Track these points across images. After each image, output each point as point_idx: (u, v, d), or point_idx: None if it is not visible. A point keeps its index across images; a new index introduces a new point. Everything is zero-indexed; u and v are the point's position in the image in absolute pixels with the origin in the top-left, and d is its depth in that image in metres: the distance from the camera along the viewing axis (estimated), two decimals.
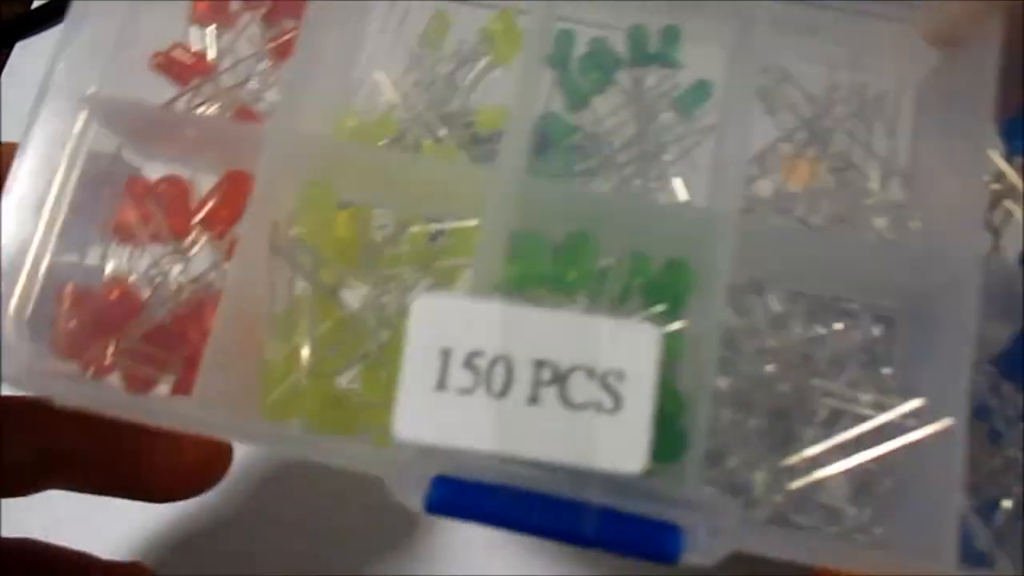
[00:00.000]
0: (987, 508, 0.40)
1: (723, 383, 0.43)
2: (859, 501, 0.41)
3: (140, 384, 0.43)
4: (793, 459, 0.41)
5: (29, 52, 0.67)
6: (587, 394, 0.37)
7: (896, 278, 0.44)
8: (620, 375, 0.37)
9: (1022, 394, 0.43)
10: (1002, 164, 0.47)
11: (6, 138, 0.43)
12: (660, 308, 0.43)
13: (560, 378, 0.37)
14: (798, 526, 0.41)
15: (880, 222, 0.46)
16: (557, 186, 0.45)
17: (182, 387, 0.43)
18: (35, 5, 0.68)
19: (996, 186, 0.48)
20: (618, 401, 0.37)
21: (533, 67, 0.44)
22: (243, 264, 0.41)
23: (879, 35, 0.47)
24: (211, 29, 0.50)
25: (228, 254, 0.44)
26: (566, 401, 0.37)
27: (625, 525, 0.38)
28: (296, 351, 0.43)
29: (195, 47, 0.49)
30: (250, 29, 0.51)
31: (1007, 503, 0.40)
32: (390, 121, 0.48)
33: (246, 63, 0.49)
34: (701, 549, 0.36)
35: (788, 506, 0.41)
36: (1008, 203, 0.47)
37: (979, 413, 0.43)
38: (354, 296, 0.44)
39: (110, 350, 0.44)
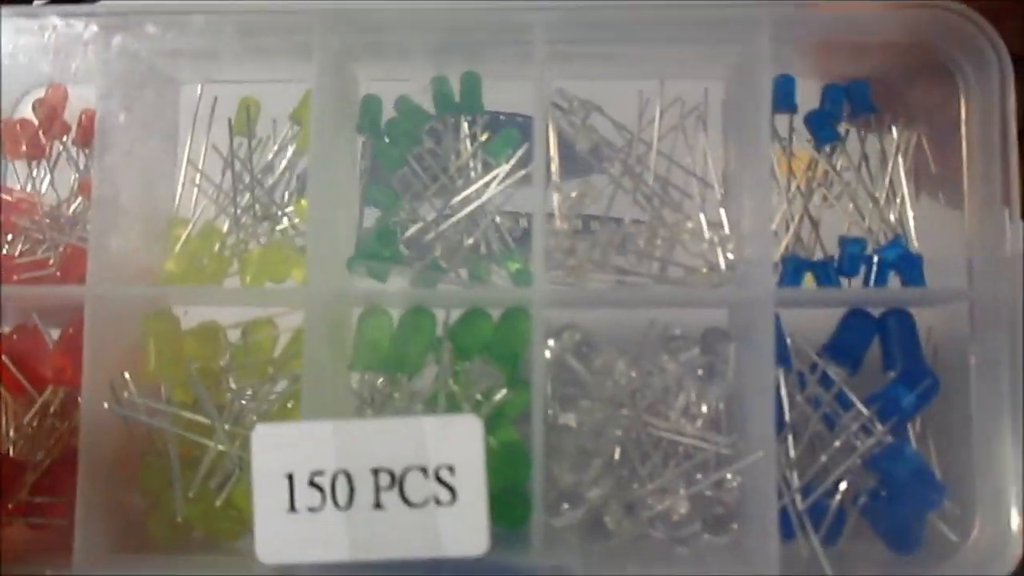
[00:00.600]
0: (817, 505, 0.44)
1: (569, 421, 0.47)
2: (701, 519, 0.45)
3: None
4: (639, 492, 0.45)
5: None
6: (424, 491, 0.40)
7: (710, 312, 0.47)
8: (451, 468, 0.40)
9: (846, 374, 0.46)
10: (813, 154, 0.50)
11: None
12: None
13: (398, 481, 0.40)
14: (653, 548, 0.45)
15: (702, 245, 0.48)
16: (368, 292, 0.48)
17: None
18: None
19: (810, 174, 0.50)
20: (453, 493, 0.40)
21: (327, 141, 0.45)
22: (91, 416, 0.43)
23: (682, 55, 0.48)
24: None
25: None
26: (406, 501, 0.40)
27: None
28: (167, 482, 0.45)
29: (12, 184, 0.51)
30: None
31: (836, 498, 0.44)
32: (213, 232, 0.49)
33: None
34: None
35: (642, 532, 0.45)
36: (822, 190, 0.50)
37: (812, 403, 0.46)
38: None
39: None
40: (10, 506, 0.46)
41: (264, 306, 0.48)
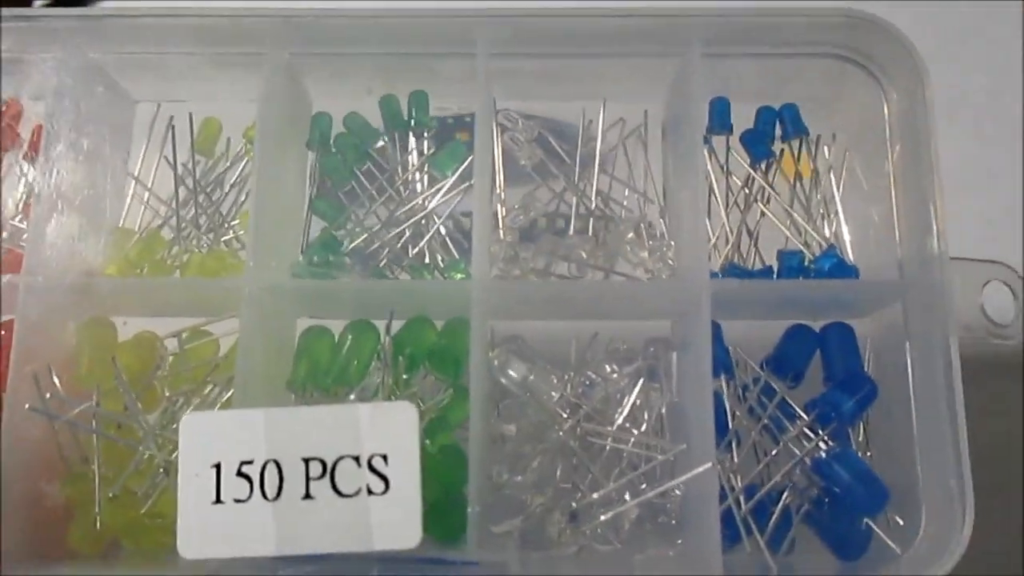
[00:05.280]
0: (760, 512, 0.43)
1: (509, 430, 0.46)
2: (645, 528, 0.44)
3: None
4: (583, 501, 0.44)
5: None
6: (356, 481, 0.39)
7: (649, 311, 0.47)
8: (384, 457, 0.39)
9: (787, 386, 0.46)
10: (749, 170, 0.51)
11: None
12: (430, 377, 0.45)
13: (329, 471, 0.39)
14: (597, 556, 0.44)
15: (642, 256, 0.49)
16: (309, 285, 0.47)
17: None
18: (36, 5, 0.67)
19: (746, 191, 0.51)
20: (387, 482, 0.39)
21: (270, 154, 0.46)
22: (13, 416, 0.42)
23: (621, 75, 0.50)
24: None
25: None
26: (338, 491, 0.39)
27: None
28: (90, 488, 0.44)
29: None
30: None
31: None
32: (156, 239, 0.49)
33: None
34: None
35: (587, 540, 0.44)
36: (759, 204, 0.51)
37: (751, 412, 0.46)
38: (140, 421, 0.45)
39: None
40: None
41: (200, 302, 0.47)
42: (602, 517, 0.43)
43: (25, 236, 0.48)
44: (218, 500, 0.39)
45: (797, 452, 0.45)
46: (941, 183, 0.42)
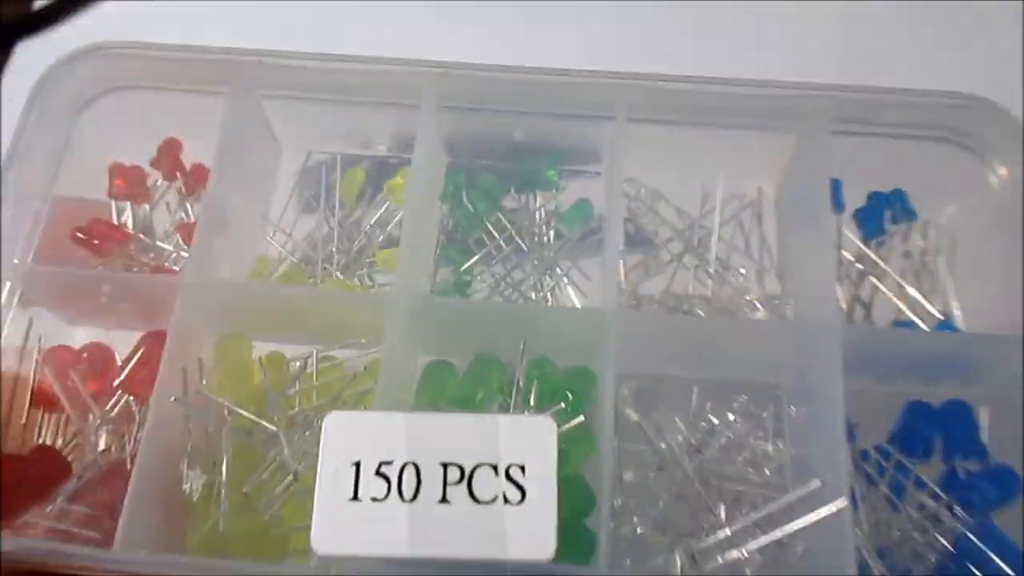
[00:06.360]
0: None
1: (628, 476, 0.46)
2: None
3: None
4: (707, 541, 0.43)
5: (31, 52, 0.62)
6: (493, 489, 0.39)
7: (774, 356, 0.48)
8: (522, 468, 0.39)
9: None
10: (861, 246, 0.53)
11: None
12: (563, 405, 0.46)
13: (467, 477, 0.39)
14: None
15: (760, 314, 0.50)
16: (454, 301, 0.49)
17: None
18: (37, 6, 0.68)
19: (859, 266, 0.53)
20: (523, 492, 0.39)
21: (421, 202, 0.49)
22: (159, 411, 0.43)
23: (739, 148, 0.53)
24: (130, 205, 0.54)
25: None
26: (474, 497, 0.39)
27: None
28: (216, 492, 0.44)
29: (114, 220, 0.53)
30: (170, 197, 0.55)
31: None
32: (297, 272, 0.52)
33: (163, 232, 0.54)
34: None
35: None
36: (871, 278, 0.53)
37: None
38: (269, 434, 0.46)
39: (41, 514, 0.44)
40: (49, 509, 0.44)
41: (335, 324, 0.48)
42: (727, 555, 0.42)
43: (173, 254, 0.52)
44: (355, 497, 0.39)
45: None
46: None
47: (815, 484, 0.42)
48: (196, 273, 0.46)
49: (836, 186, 0.54)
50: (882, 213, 0.53)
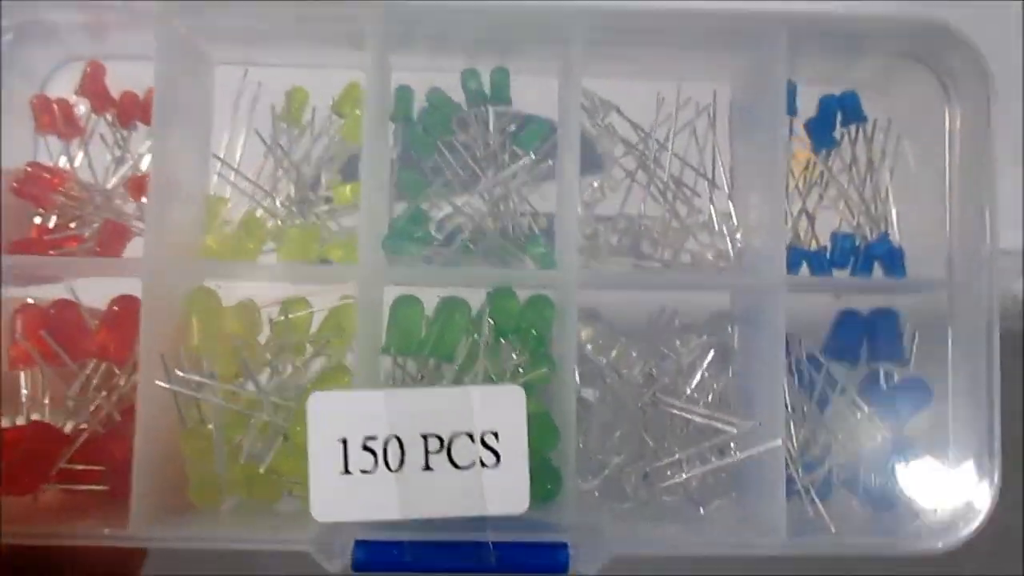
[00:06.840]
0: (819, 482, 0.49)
1: (589, 394, 0.51)
2: (709, 494, 0.50)
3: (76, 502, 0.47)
4: (656, 464, 0.49)
5: None
6: (470, 455, 0.43)
7: (724, 298, 0.51)
8: (495, 434, 0.44)
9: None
10: (813, 156, 0.55)
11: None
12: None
13: (446, 446, 0.43)
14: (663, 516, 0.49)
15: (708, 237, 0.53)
16: (415, 271, 0.50)
17: (117, 494, 0.47)
18: None
19: (807, 173, 0.55)
20: (497, 456, 0.43)
21: (376, 130, 0.48)
22: (148, 380, 0.45)
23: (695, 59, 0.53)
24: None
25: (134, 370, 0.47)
26: (454, 464, 0.43)
27: (518, 551, 0.45)
28: (209, 443, 0.48)
29: (47, 161, 0.52)
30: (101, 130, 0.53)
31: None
32: (254, 220, 0.51)
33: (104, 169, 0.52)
34: (585, 559, 0.44)
35: (655, 500, 0.49)
36: (818, 189, 0.55)
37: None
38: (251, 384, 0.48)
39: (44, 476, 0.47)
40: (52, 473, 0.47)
41: (315, 283, 0.50)
42: (673, 479, 0.49)
43: (126, 209, 0.51)
44: (346, 471, 0.43)
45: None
46: (996, 190, 0.46)
47: (755, 424, 0.47)
48: (156, 251, 0.46)
49: (792, 91, 0.54)
50: (834, 122, 0.54)
